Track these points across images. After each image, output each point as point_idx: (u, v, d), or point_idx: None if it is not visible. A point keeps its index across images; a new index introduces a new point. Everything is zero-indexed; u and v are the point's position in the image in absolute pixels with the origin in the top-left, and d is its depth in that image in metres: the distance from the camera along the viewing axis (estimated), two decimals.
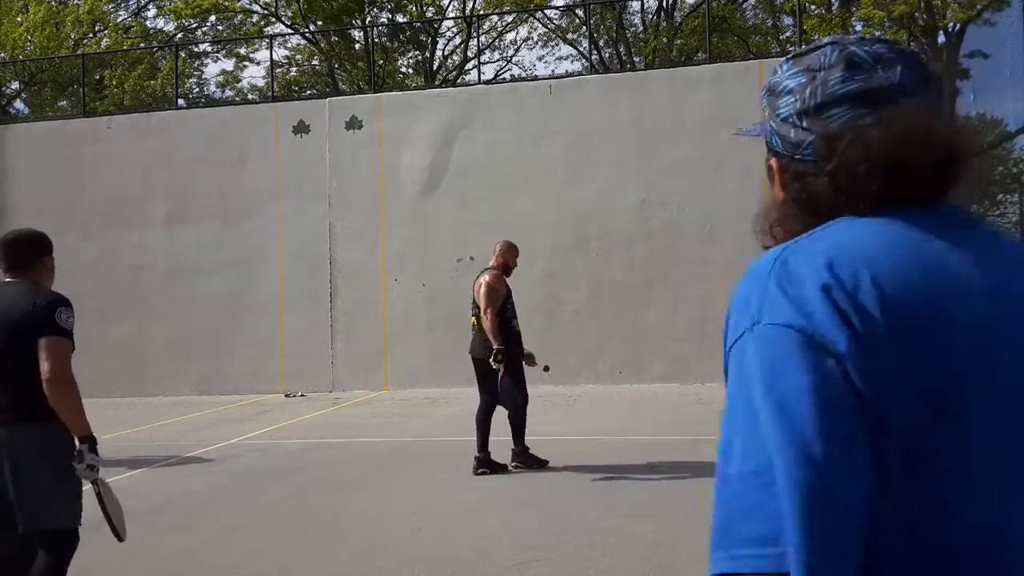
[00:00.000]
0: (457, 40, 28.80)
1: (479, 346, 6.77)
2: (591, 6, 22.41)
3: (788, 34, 24.60)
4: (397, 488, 6.30)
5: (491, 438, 6.61)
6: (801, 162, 0.96)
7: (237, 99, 27.26)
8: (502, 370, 6.43)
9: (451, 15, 27.70)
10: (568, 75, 20.21)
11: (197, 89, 29.86)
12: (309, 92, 26.86)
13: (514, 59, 30.11)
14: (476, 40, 24.66)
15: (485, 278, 6.77)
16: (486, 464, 6.57)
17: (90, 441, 3.25)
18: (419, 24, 27.16)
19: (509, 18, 26.40)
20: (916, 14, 16.04)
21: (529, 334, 12.83)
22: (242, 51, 27.78)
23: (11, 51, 24.87)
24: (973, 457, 0.80)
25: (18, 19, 25.77)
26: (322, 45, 27.35)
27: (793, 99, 0.97)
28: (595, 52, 25.58)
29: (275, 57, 25.79)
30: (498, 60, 29.65)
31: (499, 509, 5.28)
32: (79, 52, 24.59)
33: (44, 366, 3.24)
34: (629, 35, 27.33)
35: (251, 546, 4.89)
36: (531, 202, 13.22)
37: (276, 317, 14.04)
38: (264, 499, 6.10)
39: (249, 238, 14.31)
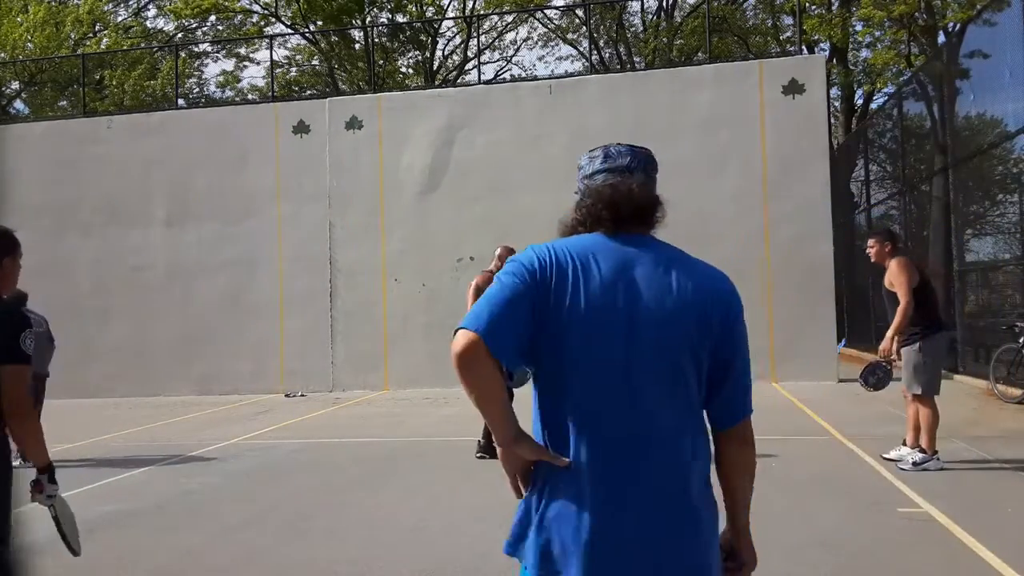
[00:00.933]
0: (457, 40, 28.81)
1: None
2: (591, 6, 22.40)
3: (788, 34, 24.59)
4: (397, 488, 6.30)
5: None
6: (580, 200, 1.78)
7: (237, 99, 27.25)
8: None
9: (451, 15, 27.69)
10: (568, 75, 20.20)
11: (197, 89, 29.87)
12: (309, 92, 26.86)
13: (514, 59, 30.25)
14: (476, 40, 24.66)
15: (475, 279, 7.17)
16: (486, 450, 6.91)
17: (49, 471, 3.06)
18: (419, 24, 27.15)
19: (509, 18, 26.38)
20: (916, 14, 16.02)
21: None
22: (242, 51, 27.78)
23: (11, 51, 24.86)
24: (575, 352, 1.60)
25: (18, 19, 25.75)
26: (322, 45, 27.34)
27: (583, 171, 1.80)
28: (595, 52, 25.58)
29: (275, 57, 25.83)
30: (498, 60, 29.66)
31: (499, 509, 5.27)
32: (79, 52, 24.59)
33: (6, 399, 2.84)
34: (629, 35, 27.32)
35: (251, 546, 4.88)
36: (531, 202, 13.20)
37: (276, 317, 14.04)
38: (264, 499, 6.10)
39: (249, 238, 14.31)
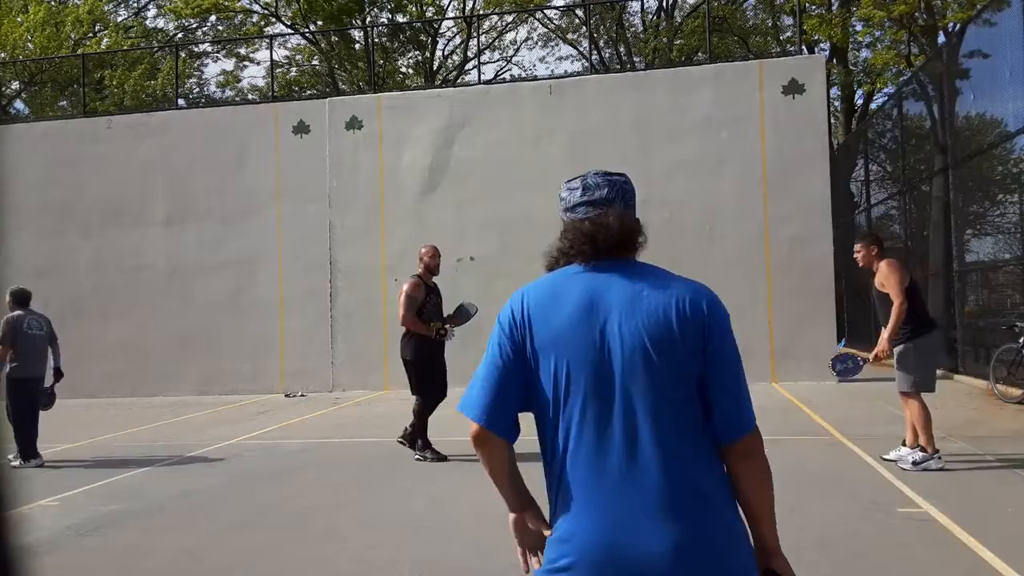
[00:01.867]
0: (457, 40, 28.81)
1: (404, 348, 7.30)
2: (591, 6, 22.40)
3: (788, 34, 24.59)
4: (397, 488, 6.30)
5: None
6: (563, 232, 1.81)
7: (237, 99, 27.25)
8: (449, 331, 7.31)
9: (451, 15, 27.68)
10: (568, 75, 20.20)
11: (197, 89, 29.86)
12: (309, 92, 26.85)
13: (514, 59, 30.19)
14: (476, 40, 24.65)
15: (404, 286, 7.39)
16: (426, 448, 7.17)
17: None
18: (419, 24, 27.15)
19: (509, 18, 26.38)
20: (916, 14, 16.02)
21: None
22: (242, 51, 27.77)
23: (11, 51, 24.86)
24: (560, 389, 1.65)
25: (18, 19, 25.74)
26: (322, 45, 27.33)
27: (563, 203, 1.85)
28: (595, 52, 25.57)
29: (275, 57, 25.82)
30: (498, 60, 29.65)
31: (499, 509, 5.27)
32: (79, 52, 24.58)
33: None
34: (629, 35, 27.31)
35: (251, 546, 4.88)
36: (531, 202, 13.19)
37: (276, 317, 14.04)
38: (264, 499, 6.10)
39: (249, 238, 14.30)
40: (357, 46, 26.64)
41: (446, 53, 29.39)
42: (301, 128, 14.34)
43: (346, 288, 14.02)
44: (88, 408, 12.95)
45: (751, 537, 1.66)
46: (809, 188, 12.57)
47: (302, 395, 13.47)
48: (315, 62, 28.66)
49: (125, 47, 26.11)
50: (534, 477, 1.79)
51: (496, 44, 29.04)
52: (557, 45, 30.04)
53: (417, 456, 7.19)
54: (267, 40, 24.33)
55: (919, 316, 6.14)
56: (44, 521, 5.51)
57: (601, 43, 27.00)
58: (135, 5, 30.00)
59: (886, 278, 6.12)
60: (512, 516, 1.77)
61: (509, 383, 1.68)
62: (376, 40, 25.43)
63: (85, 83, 20.60)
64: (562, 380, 1.64)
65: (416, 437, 7.25)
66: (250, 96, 28.20)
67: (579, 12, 24.23)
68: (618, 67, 25.51)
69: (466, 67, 28.08)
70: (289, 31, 27.40)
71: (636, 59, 26.21)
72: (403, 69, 29.36)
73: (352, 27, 26.25)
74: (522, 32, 29.16)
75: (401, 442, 7.37)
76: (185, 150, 14.65)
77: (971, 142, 12.26)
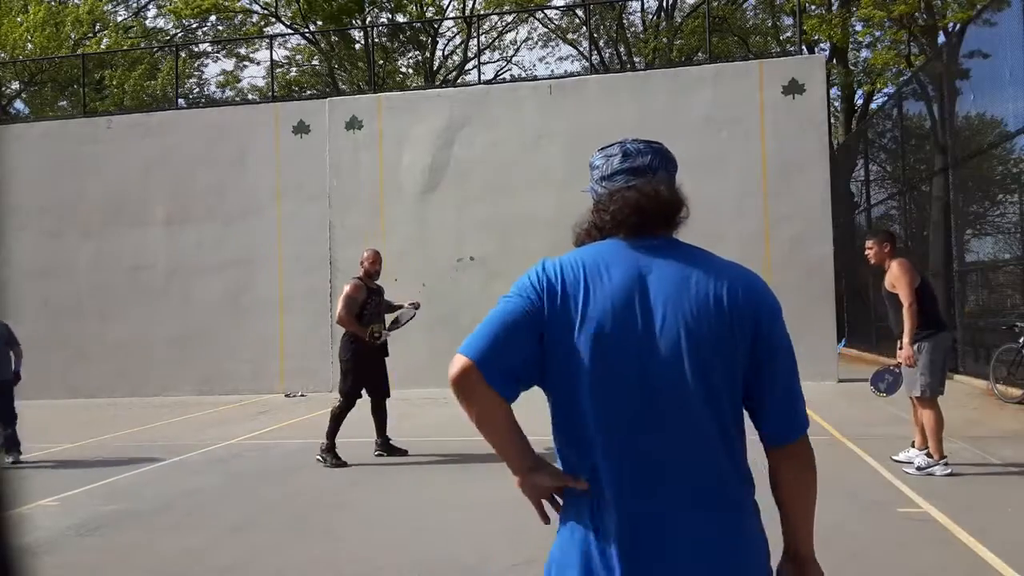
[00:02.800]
0: (457, 40, 28.82)
1: (342, 348, 7.48)
2: (591, 6, 22.41)
3: (788, 34, 24.60)
4: (397, 488, 6.30)
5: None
6: (599, 203, 1.65)
7: (237, 99, 27.25)
8: (383, 334, 7.42)
9: (451, 15, 27.68)
10: (568, 75, 20.19)
11: (197, 89, 29.87)
12: (309, 92, 26.86)
13: (514, 59, 30.22)
14: (476, 40, 24.65)
15: (346, 287, 7.48)
16: (329, 451, 7.21)
17: None
18: (419, 24, 27.15)
19: (509, 18, 26.38)
20: (916, 14, 16.02)
21: None
22: (242, 51, 27.78)
23: (11, 51, 24.85)
24: (590, 373, 1.48)
25: (18, 19, 25.75)
26: (322, 45, 27.34)
27: (599, 171, 1.68)
28: (595, 52, 25.58)
29: (275, 57, 25.84)
30: (498, 60, 29.67)
31: (499, 509, 5.28)
32: (79, 52, 24.58)
33: None
34: (629, 35, 27.32)
35: (251, 546, 4.88)
36: (531, 202, 13.21)
37: (276, 317, 14.04)
38: (264, 499, 6.10)
39: (249, 238, 14.30)
40: (357, 46, 26.65)
41: (446, 53, 29.42)
42: (301, 128, 14.34)
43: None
44: (88, 408, 12.95)
45: (782, 544, 1.58)
46: (809, 188, 12.57)
47: (302, 395, 13.47)
48: (315, 62, 28.68)
49: (125, 47, 26.12)
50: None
51: (496, 44, 29.06)
52: (557, 45, 30.09)
53: (318, 457, 7.22)
54: (267, 40, 24.34)
55: (929, 318, 6.03)
56: (44, 521, 5.51)
57: (601, 43, 27.01)
58: (135, 5, 30.01)
59: (897, 279, 6.00)
60: (518, 479, 1.57)
61: (520, 335, 1.49)
62: (376, 40, 25.43)
63: (85, 83, 20.60)
64: (592, 363, 1.47)
65: (333, 439, 7.28)
66: (250, 96, 28.21)
67: (579, 12, 24.24)
68: (618, 67, 25.51)
69: (466, 67, 28.09)
70: (289, 31, 27.41)
71: (636, 59, 26.22)
72: (403, 69, 29.37)
73: (352, 27, 26.26)
74: (522, 32, 29.21)
75: (379, 454, 7.51)
76: (185, 150, 14.65)
77: (971, 142, 12.26)
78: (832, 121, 20.72)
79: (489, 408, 1.50)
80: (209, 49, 28.55)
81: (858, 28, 20.03)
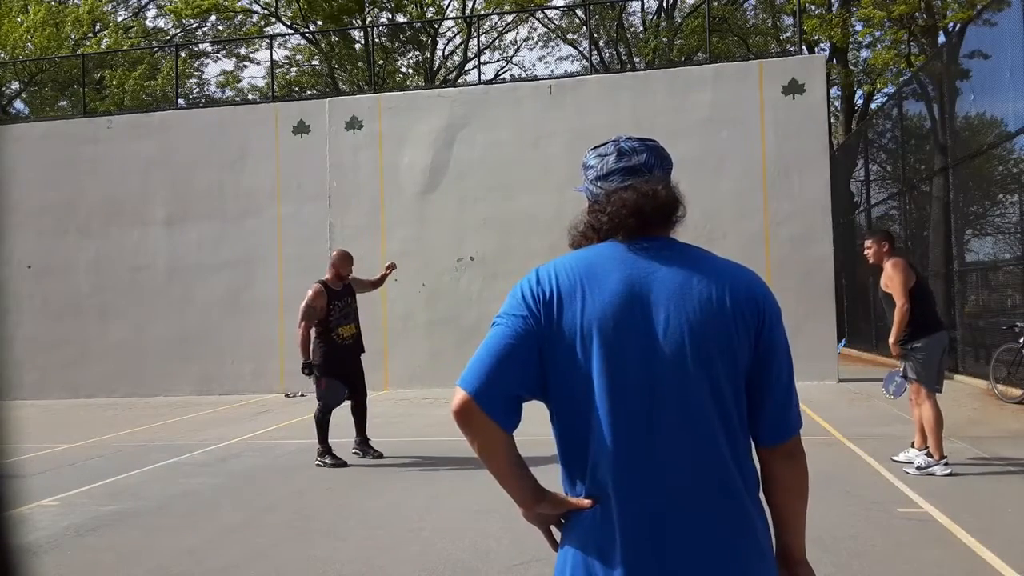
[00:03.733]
0: (457, 40, 28.82)
1: (313, 353, 7.41)
2: (591, 6, 22.41)
3: (788, 34, 24.60)
4: (397, 488, 6.30)
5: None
6: (595, 204, 1.61)
7: (237, 99, 27.25)
8: (315, 375, 7.28)
9: (451, 15, 27.69)
10: (568, 75, 20.19)
11: (197, 89, 29.87)
12: (309, 92, 26.86)
13: (514, 59, 30.23)
14: (476, 40, 24.65)
15: (308, 293, 7.36)
16: (325, 454, 7.26)
17: None
18: (419, 24, 27.15)
19: (509, 18, 26.38)
20: (916, 14, 16.03)
21: None
22: (242, 51, 27.79)
23: (11, 51, 24.86)
24: (590, 380, 1.46)
25: (18, 19, 25.75)
26: (322, 45, 27.34)
27: (593, 171, 1.63)
28: (595, 52, 25.58)
29: (275, 57, 25.85)
30: (498, 60, 29.67)
31: (499, 509, 5.28)
32: (79, 52, 24.58)
33: None
34: (629, 35, 27.32)
35: (251, 546, 4.88)
36: (531, 202, 13.21)
37: (276, 317, 14.03)
38: (264, 499, 6.10)
39: (249, 238, 14.30)
40: (357, 46, 26.65)
41: (446, 53, 29.42)
42: (301, 128, 14.34)
43: None
44: (88, 408, 12.95)
45: (773, 547, 1.56)
46: (809, 188, 12.57)
47: (302, 395, 13.47)
48: (315, 62, 28.68)
49: (125, 47, 26.12)
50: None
51: (496, 44, 29.06)
52: (557, 45, 30.10)
53: (317, 462, 7.25)
54: (267, 40, 24.34)
55: (927, 318, 6.08)
56: (44, 521, 5.51)
57: (601, 43, 27.01)
58: (135, 5, 30.01)
59: (890, 279, 6.07)
60: (522, 511, 1.57)
61: (516, 359, 1.48)
62: (376, 40, 25.44)
63: (85, 83, 20.60)
64: (595, 370, 1.46)
65: (325, 443, 7.34)
66: (250, 96, 28.21)
67: (579, 12, 24.24)
68: (618, 67, 25.52)
69: (466, 67, 28.10)
70: (289, 31, 27.41)
71: (636, 59, 26.23)
72: (403, 69, 29.37)
73: (352, 27, 26.26)
74: (522, 32, 29.22)
75: (356, 452, 7.54)
76: (185, 150, 14.65)
77: (971, 142, 12.26)
78: (832, 121, 20.72)
79: (490, 440, 1.49)
80: (209, 49, 28.57)
81: (858, 28, 20.04)
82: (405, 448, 7.93)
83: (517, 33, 29.16)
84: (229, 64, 32.62)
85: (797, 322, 12.41)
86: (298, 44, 28.56)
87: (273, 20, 27.50)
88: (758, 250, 12.57)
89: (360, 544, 4.83)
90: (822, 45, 22.59)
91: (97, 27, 27.78)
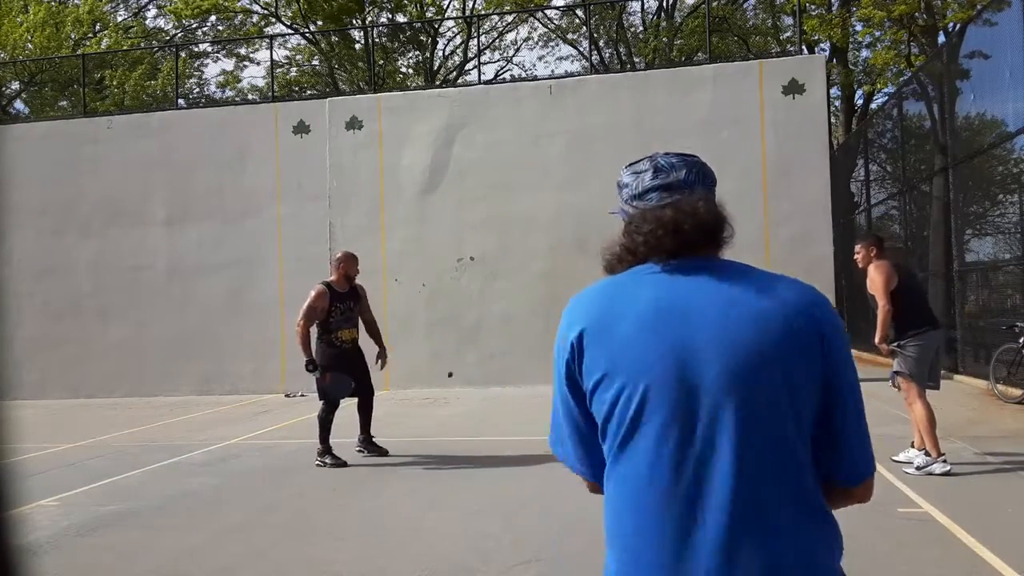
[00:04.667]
0: (457, 40, 28.82)
1: (316, 352, 7.44)
2: (591, 6, 22.41)
3: (788, 34, 24.59)
4: (397, 488, 6.30)
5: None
6: (630, 225, 1.47)
7: (237, 99, 27.25)
8: (318, 373, 7.30)
9: (451, 15, 27.69)
10: (568, 75, 20.19)
11: (197, 89, 29.87)
12: (309, 92, 26.86)
13: (514, 59, 30.26)
14: (476, 40, 24.66)
15: (311, 293, 7.39)
16: (325, 454, 7.26)
17: None
18: (419, 24, 27.15)
19: (509, 18, 26.38)
20: (916, 14, 16.03)
21: (529, 335, 12.85)
22: (242, 51, 27.79)
23: (11, 51, 24.86)
24: (629, 421, 1.33)
25: (18, 19, 25.75)
26: (322, 45, 27.34)
27: (628, 189, 1.51)
28: (595, 52, 25.58)
29: (275, 57, 25.83)
30: (498, 60, 29.68)
31: (499, 509, 5.28)
32: (79, 52, 24.59)
33: None
34: (629, 35, 27.33)
35: (251, 546, 4.88)
36: (531, 202, 13.21)
37: (276, 317, 14.03)
38: (264, 499, 6.10)
39: (249, 238, 14.31)
40: (357, 46, 26.65)
41: (446, 53, 29.42)
42: (301, 128, 14.34)
43: None
44: (88, 408, 12.95)
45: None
46: (809, 188, 12.57)
47: (302, 395, 13.47)
48: (315, 62, 28.68)
49: (125, 47, 26.11)
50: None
51: (496, 44, 29.06)
52: (557, 45, 30.08)
53: (317, 462, 7.24)
54: (267, 40, 24.34)
55: (919, 316, 6.18)
56: (44, 521, 5.51)
57: (601, 43, 27.01)
58: (135, 5, 30.02)
59: (871, 282, 6.26)
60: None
61: (588, 424, 1.42)
62: (376, 40, 25.43)
63: (85, 83, 20.60)
64: (627, 411, 1.32)
65: (326, 443, 7.34)
66: (250, 96, 28.21)
67: (579, 12, 24.24)
68: (618, 67, 25.52)
69: (466, 67, 28.09)
70: (289, 31, 27.41)
71: (636, 59, 26.23)
72: (403, 69, 29.37)
73: (352, 27, 26.26)
74: (522, 32, 29.20)
75: (360, 450, 7.56)
76: (185, 150, 14.65)
77: (971, 142, 12.27)
78: (832, 121, 20.72)
79: (591, 488, 1.52)
80: (209, 49, 28.56)
81: (858, 28, 20.04)
82: (405, 448, 7.93)
83: (517, 33, 29.18)
84: (229, 64, 32.63)
85: None
86: (298, 44, 28.58)
87: (273, 20, 27.50)
88: (758, 250, 12.57)
89: (360, 544, 4.83)
90: (822, 45, 22.60)
91: (97, 27, 27.78)
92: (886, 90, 21.74)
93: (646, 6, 26.81)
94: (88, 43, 26.87)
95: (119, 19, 29.46)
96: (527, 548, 4.43)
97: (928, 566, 4.12)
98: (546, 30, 28.05)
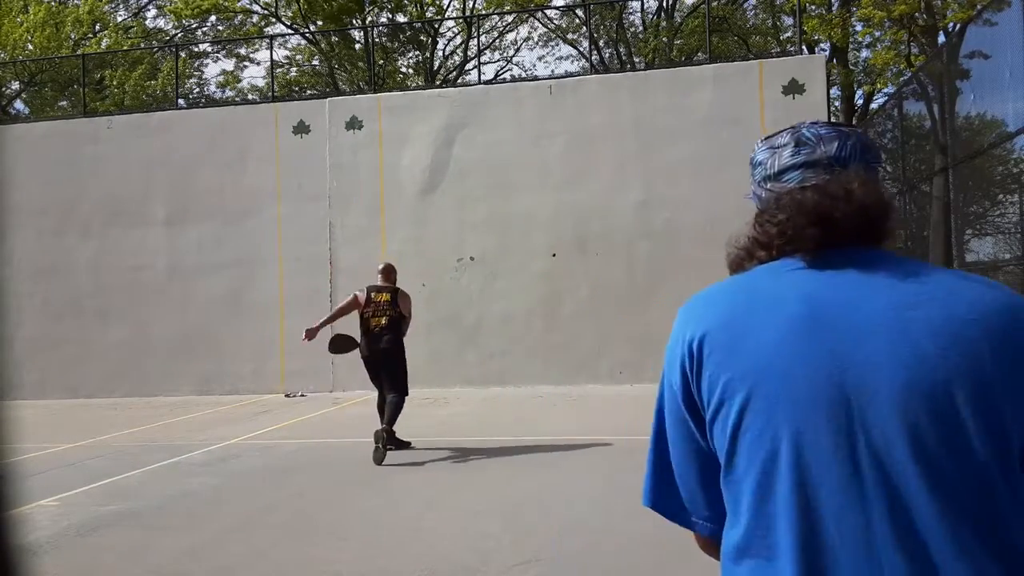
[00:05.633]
0: (457, 40, 28.82)
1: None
2: (591, 6, 22.41)
3: (788, 34, 24.60)
4: (397, 488, 6.30)
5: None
6: (763, 212, 1.20)
7: (237, 99, 27.25)
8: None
9: (451, 15, 27.69)
10: (568, 75, 20.19)
11: (197, 89, 29.87)
12: (309, 92, 26.85)
13: (514, 59, 30.17)
14: (476, 40, 24.66)
15: (349, 297, 8.53)
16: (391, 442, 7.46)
17: None
18: (419, 24, 27.16)
19: (509, 18, 26.38)
20: (916, 14, 16.03)
21: (529, 335, 12.87)
22: (242, 51, 27.78)
23: (11, 51, 24.87)
24: (763, 450, 1.04)
25: (18, 19, 25.76)
26: (322, 45, 27.35)
27: (763, 169, 1.26)
28: (595, 52, 25.58)
29: (275, 57, 25.82)
30: (498, 60, 29.67)
31: (499, 509, 5.28)
32: (79, 52, 24.59)
33: None
34: (629, 35, 27.33)
35: (251, 546, 4.88)
36: (531, 202, 13.21)
37: (276, 317, 14.04)
38: (264, 499, 6.10)
39: (249, 238, 14.30)
40: (357, 46, 26.65)
41: (446, 53, 29.41)
42: (301, 128, 14.34)
43: (346, 288, 13.98)
44: (88, 408, 12.95)
45: None
46: None
47: (302, 395, 13.48)
48: (315, 62, 28.68)
49: (125, 47, 26.12)
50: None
51: (496, 44, 29.06)
52: (557, 45, 30.06)
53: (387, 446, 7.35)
54: (267, 40, 24.33)
55: None
56: (44, 521, 5.51)
57: (601, 43, 27.01)
58: (135, 5, 30.02)
59: None
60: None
61: (705, 463, 1.13)
62: (376, 40, 25.44)
63: (85, 83, 20.59)
64: (765, 438, 1.03)
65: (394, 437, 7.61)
66: (250, 96, 28.20)
67: (579, 12, 24.24)
68: (618, 67, 25.52)
69: (466, 67, 28.09)
70: (289, 31, 27.41)
71: (636, 59, 26.23)
72: (403, 69, 29.36)
73: (352, 27, 26.26)
74: (522, 32, 29.21)
75: (389, 447, 7.50)
76: (185, 150, 14.66)
77: (971, 142, 12.27)
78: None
79: (703, 547, 1.23)
80: (209, 49, 28.55)
81: (858, 28, 20.04)
82: (398, 449, 7.93)
83: (517, 33, 29.18)
84: (229, 64, 32.58)
85: None
86: (298, 44, 28.58)
87: (273, 20, 27.51)
88: None
89: (360, 544, 4.83)
90: (822, 45, 22.59)
91: (97, 27, 27.77)
92: (886, 90, 21.76)
93: (646, 6, 26.82)
94: (88, 43, 26.87)
95: (119, 19, 29.46)
96: (527, 548, 4.43)
97: None
98: (546, 30, 28.06)
